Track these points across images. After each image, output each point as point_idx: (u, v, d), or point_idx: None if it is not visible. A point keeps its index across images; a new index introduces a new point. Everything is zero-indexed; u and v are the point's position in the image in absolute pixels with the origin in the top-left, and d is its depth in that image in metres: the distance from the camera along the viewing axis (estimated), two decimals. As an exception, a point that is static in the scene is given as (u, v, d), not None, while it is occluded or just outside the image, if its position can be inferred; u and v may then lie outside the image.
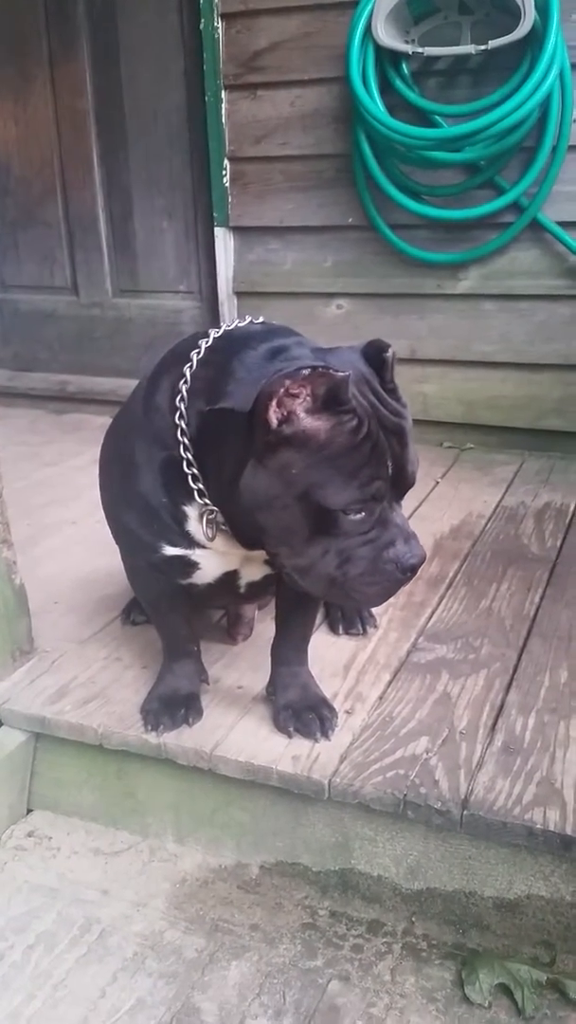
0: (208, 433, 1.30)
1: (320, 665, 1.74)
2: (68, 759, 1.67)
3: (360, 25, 2.74)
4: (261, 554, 1.41)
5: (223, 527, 1.37)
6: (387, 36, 2.71)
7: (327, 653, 1.81)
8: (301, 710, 1.55)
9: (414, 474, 1.30)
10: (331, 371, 1.17)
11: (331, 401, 1.19)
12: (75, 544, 2.36)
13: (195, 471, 1.33)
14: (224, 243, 3.30)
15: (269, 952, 1.42)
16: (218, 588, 1.51)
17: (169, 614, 1.59)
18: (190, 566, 1.44)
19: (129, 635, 1.90)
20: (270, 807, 1.53)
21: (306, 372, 1.17)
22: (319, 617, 1.93)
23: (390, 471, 1.25)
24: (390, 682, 1.71)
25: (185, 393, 1.31)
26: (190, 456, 1.32)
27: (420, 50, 2.71)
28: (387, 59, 2.80)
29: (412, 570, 1.28)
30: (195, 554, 1.43)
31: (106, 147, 3.59)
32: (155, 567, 1.46)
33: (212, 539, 1.38)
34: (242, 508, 1.29)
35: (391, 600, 1.99)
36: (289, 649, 1.60)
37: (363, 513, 1.24)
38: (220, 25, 3.07)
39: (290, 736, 1.54)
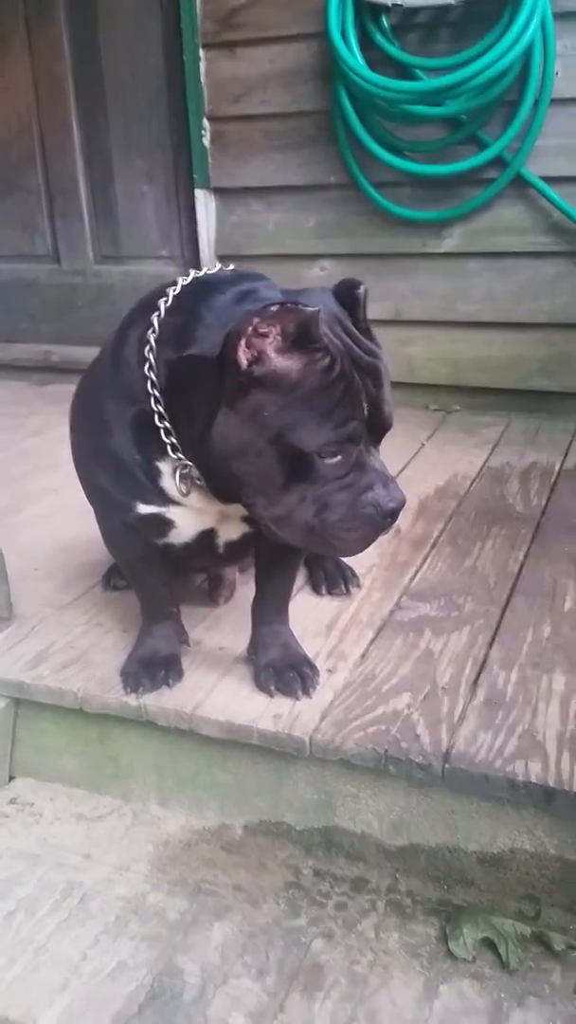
0: (178, 383, 1.27)
1: (303, 625, 1.72)
2: (49, 725, 1.66)
3: (338, -24, 2.68)
4: (238, 511, 1.38)
5: (198, 482, 1.34)
6: (366, -11, 2.65)
7: (310, 613, 1.79)
8: (282, 669, 1.54)
9: (391, 416, 1.27)
10: (300, 307, 1.14)
11: (302, 338, 1.16)
12: (56, 512, 2.34)
13: (167, 424, 1.30)
14: (205, 205, 3.25)
15: (252, 912, 1.41)
16: (196, 548, 1.48)
17: (147, 576, 1.57)
18: (165, 524, 1.42)
19: (110, 600, 1.88)
20: (252, 767, 1.52)
21: (275, 309, 1.14)
22: (301, 579, 1.91)
23: (366, 412, 1.22)
24: (373, 640, 1.69)
25: (153, 343, 1.28)
26: (161, 409, 1.29)
27: (399, 2, 2.65)
28: (367, 13, 2.74)
29: (392, 514, 1.25)
30: (170, 512, 1.40)
31: (85, 111, 3.52)
32: (130, 527, 1.44)
33: (187, 495, 1.35)
34: (216, 458, 1.26)
35: (374, 560, 2.00)
36: (269, 608, 1.58)
37: (339, 456, 1.22)
38: (196, -17, 3.01)
39: (271, 695, 1.52)
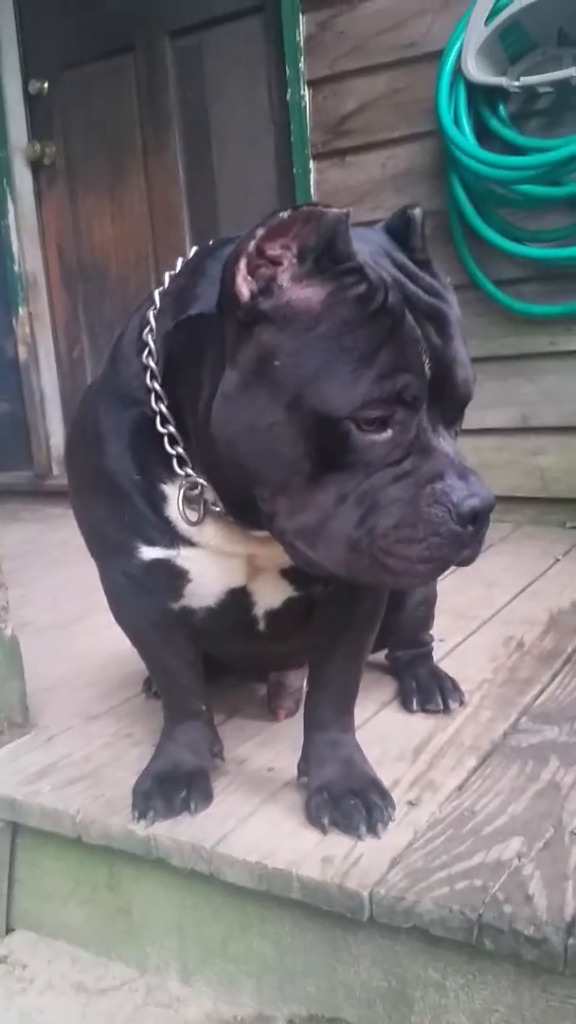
0: (178, 362, 0.97)
1: (382, 747, 1.32)
2: (51, 861, 1.29)
3: (449, 64, 2.53)
4: (274, 559, 1.04)
5: (214, 508, 1.01)
6: (479, 74, 2.48)
7: (394, 733, 1.38)
8: (341, 794, 1.13)
9: (467, 382, 0.92)
10: (321, 209, 0.84)
11: (326, 257, 0.86)
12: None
13: (171, 430, 0.99)
14: (315, 319, 3.06)
15: None
16: (226, 619, 1.13)
17: (162, 654, 1.21)
18: (178, 577, 1.08)
19: (148, 709, 1.53)
20: (299, 935, 1.10)
21: (285, 216, 0.84)
22: (389, 692, 1.52)
23: (427, 369, 0.87)
24: (476, 768, 1.27)
25: (153, 321, 1.00)
26: (163, 408, 0.99)
27: (516, 83, 2.46)
28: (482, 102, 2.56)
29: (474, 517, 0.87)
30: (182, 556, 1.06)
31: (199, 236, 3.46)
32: (136, 582, 1.11)
33: (197, 524, 1.02)
34: (221, 448, 0.92)
35: (487, 674, 1.58)
36: (326, 707, 1.19)
37: (389, 431, 0.86)
38: (307, 93, 2.95)
39: (324, 830, 1.11)
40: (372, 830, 1.09)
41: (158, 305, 1.01)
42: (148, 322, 1.00)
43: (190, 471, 1.00)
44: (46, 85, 3.61)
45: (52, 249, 3.81)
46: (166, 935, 1.21)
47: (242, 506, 0.96)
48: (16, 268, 3.80)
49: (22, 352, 3.86)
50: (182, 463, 0.99)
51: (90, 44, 3.49)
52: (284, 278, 0.86)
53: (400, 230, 0.95)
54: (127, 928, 1.24)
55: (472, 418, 2.90)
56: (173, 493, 1.03)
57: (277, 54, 3.01)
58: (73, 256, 3.76)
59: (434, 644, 1.61)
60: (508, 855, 1.05)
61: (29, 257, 3.82)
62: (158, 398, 0.99)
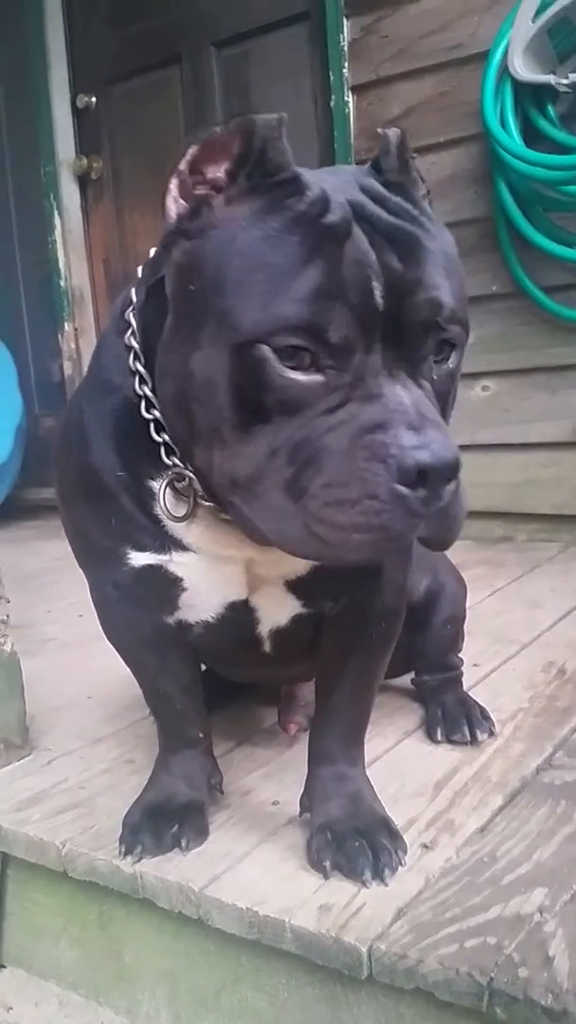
0: (153, 333, 0.88)
1: (400, 781, 1.21)
2: (42, 896, 1.21)
3: (495, 64, 2.44)
4: (277, 568, 0.95)
5: (204, 501, 0.91)
6: (527, 72, 2.38)
7: (415, 766, 1.27)
8: (346, 835, 1.01)
9: (435, 309, 0.76)
10: (252, 117, 0.76)
11: (258, 169, 0.77)
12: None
13: (157, 414, 0.89)
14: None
15: None
16: (227, 638, 1.04)
17: (157, 676, 1.11)
18: (171, 586, 0.98)
19: (154, 733, 1.39)
20: (296, 989, 0.99)
21: (218, 130, 0.77)
22: (413, 720, 1.41)
23: (378, 297, 0.74)
24: (501, 808, 1.15)
25: (134, 296, 0.92)
26: (148, 391, 0.89)
27: (565, 81, 2.34)
28: (530, 102, 2.46)
29: (422, 474, 0.71)
30: (174, 562, 0.97)
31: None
32: (126, 593, 1.02)
33: (184, 518, 0.92)
34: (167, 407, 0.85)
35: (522, 703, 1.46)
36: (332, 738, 1.08)
37: (319, 375, 0.74)
38: (351, 99, 2.88)
39: (326, 874, 1.00)
40: (378, 876, 0.98)
41: (140, 277, 0.93)
42: (130, 300, 0.93)
43: (177, 461, 0.90)
44: (94, 99, 3.61)
45: (98, 264, 3.80)
46: (158, 982, 1.11)
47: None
48: (62, 284, 3.79)
49: (67, 368, 3.84)
50: (169, 452, 0.90)
51: (137, 57, 3.48)
52: (218, 201, 0.79)
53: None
54: (118, 972, 1.14)
55: (518, 432, 2.77)
56: (161, 488, 0.93)
57: (321, 60, 2.95)
58: (119, 271, 3.73)
59: (467, 669, 1.50)
60: (529, 908, 0.93)
61: (75, 272, 3.80)
62: (142, 380, 0.90)
